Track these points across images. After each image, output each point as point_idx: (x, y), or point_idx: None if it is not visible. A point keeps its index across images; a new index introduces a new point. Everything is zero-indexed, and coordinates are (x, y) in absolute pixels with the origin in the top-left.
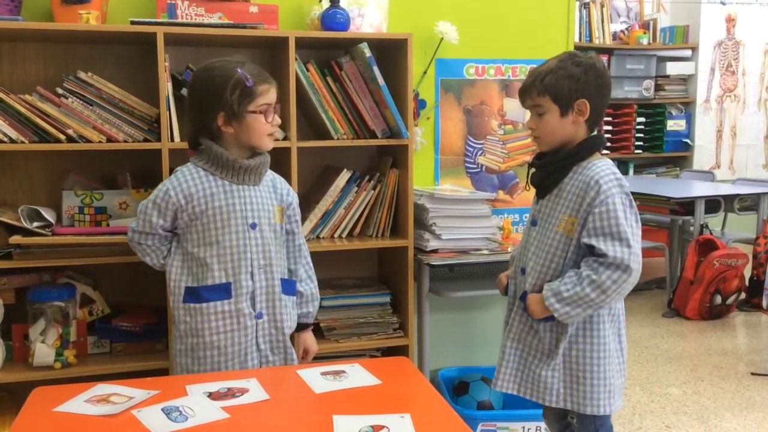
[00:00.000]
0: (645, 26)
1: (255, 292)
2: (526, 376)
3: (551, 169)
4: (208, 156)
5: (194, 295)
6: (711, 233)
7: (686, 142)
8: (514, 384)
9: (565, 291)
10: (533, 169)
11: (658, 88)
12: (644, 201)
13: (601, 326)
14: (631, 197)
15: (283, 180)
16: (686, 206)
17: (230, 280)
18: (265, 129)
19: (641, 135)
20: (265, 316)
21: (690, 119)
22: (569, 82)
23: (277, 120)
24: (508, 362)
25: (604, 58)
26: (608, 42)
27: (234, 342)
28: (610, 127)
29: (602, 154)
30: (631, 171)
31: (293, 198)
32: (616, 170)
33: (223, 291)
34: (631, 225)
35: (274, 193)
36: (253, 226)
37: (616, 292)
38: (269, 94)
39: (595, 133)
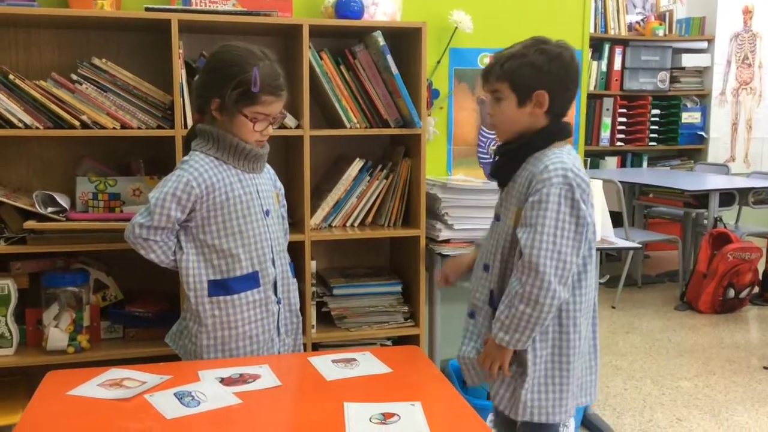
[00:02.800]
0: (661, 17)
1: (276, 278)
2: (505, 387)
3: (505, 159)
4: (216, 144)
5: (222, 287)
6: (725, 226)
7: (701, 135)
8: (502, 399)
9: (503, 318)
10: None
11: (673, 80)
12: (658, 193)
13: (573, 329)
14: (578, 189)
15: (269, 165)
16: (700, 199)
17: (257, 268)
18: (250, 136)
19: (656, 127)
20: (283, 300)
21: (705, 112)
22: (530, 71)
23: (269, 131)
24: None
25: (619, 50)
26: (624, 33)
27: (264, 330)
28: (624, 119)
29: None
30: (645, 163)
31: (280, 183)
32: (571, 160)
33: (252, 280)
34: (562, 219)
35: (269, 179)
36: (267, 213)
37: (550, 299)
38: (271, 107)
39: (560, 122)
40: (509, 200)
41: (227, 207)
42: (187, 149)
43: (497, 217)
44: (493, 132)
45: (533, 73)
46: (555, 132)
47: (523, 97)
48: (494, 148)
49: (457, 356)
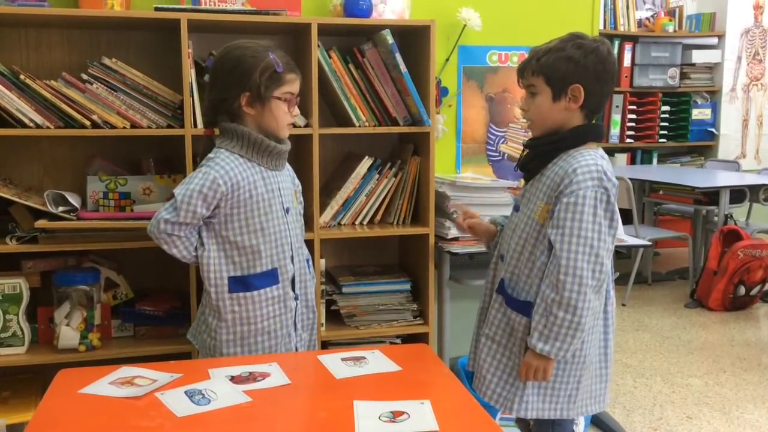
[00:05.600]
0: (671, 13)
1: (294, 275)
2: (502, 386)
3: (536, 152)
4: (241, 142)
5: (242, 283)
6: (735, 223)
7: (711, 131)
8: (493, 394)
9: (541, 327)
10: (526, 152)
11: (683, 76)
12: (668, 190)
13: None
14: (611, 193)
15: (288, 164)
16: (711, 196)
17: (276, 265)
18: (286, 118)
19: (666, 124)
20: (300, 296)
21: (715, 108)
22: (566, 65)
23: (296, 111)
24: (488, 371)
25: (629, 46)
26: (633, 29)
27: (283, 325)
28: (634, 116)
29: (625, 144)
30: (655, 160)
31: (298, 180)
32: (604, 163)
33: (272, 277)
34: (599, 223)
35: (289, 176)
36: (287, 210)
37: (588, 302)
38: (294, 84)
39: (594, 122)
40: (534, 194)
41: (250, 204)
42: (203, 155)
43: (516, 208)
44: (502, 131)
45: (569, 66)
46: (589, 132)
47: (558, 91)
48: (504, 146)
49: (469, 365)
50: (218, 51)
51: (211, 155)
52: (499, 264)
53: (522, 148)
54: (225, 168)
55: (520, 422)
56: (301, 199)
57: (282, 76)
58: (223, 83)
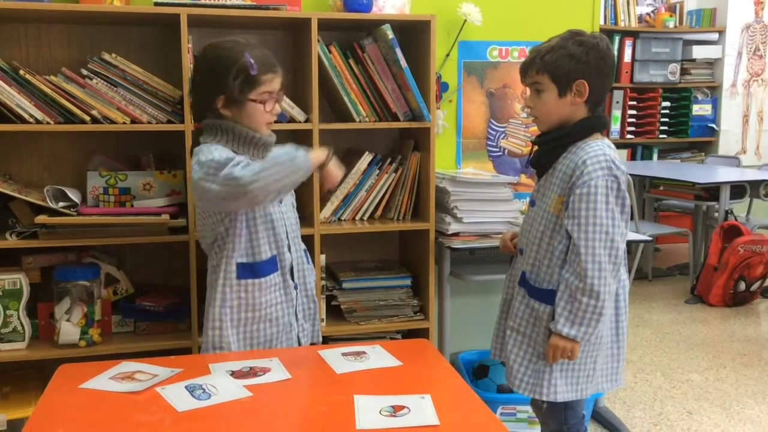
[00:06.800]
0: (671, 9)
1: (293, 264)
2: (530, 374)
3: (546, 148)
4: (226, 136)
5: (250, 270)
6: (736, 219)
7: (712, 127)
8: (521, 383)
9: (567, 313)
10: (536, 148)
11: (683, 72)
12: (668, 186)
13: None
14: (621, 180)
15: None
16: (711, 192)
17: (275, 253)
18: (263, 118)
19: (666, 119)
20: (300, 286)
21: (716, 104)
22: (569, 62)
23: (277, 109)
24: (515, 361)
25: (630, 42)
26: (634, 25)
27: (285, 313)
28: (634, 112)
29: (625, 138)
30: (655, 156)
31: None
32: (610, 152)
33: (273, 264)
34: (611, 210)
35: None
36: (281, 200)
37: (607, 287)
38: (272, 83)
39: (597, 113)
40: (548, 187)
41: None
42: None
43: (532, 203)
44: (502, 126)
45: (573, 63)
46: (595, 123)
47: (564, 88)
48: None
49: (493, 354)
50: (203, 49)
51: (196, 149)
52: (518, 258)
53: (531, 145)
54: (219, 149)
55: (534, 405)
56: (292, 191)
57: (257, 78)
58: (200, 85)
